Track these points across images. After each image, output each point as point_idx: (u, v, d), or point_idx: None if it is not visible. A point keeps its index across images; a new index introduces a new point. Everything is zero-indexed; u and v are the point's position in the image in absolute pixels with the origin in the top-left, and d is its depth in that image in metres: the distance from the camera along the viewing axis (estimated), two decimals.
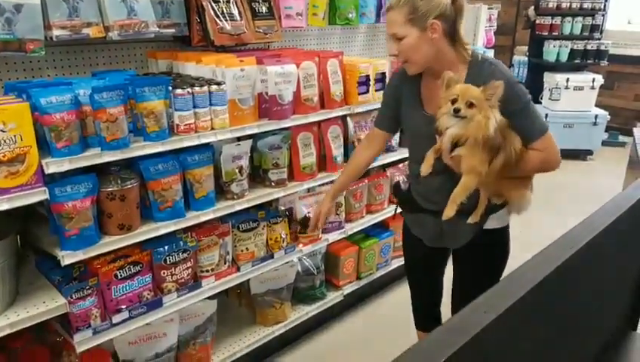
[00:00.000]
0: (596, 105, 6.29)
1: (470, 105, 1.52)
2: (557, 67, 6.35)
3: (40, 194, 1.66)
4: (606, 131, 6.47)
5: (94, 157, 1.77)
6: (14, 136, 1.55)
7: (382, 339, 2.81)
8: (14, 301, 1.77)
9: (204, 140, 2.05)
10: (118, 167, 1.92)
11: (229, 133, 2.12)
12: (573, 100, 6.11)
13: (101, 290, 1.89)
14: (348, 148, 2.76)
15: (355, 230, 2.94)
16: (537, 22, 6.37)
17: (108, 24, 1.93)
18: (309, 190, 2.70)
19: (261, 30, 2.46)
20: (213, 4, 2.26)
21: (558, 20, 6.28)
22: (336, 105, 2.58)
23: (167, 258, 2.06)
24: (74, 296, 1.80)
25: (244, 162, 2.28)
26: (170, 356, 2.21)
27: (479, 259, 1.86)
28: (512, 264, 1.32)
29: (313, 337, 2.89)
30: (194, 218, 2.11)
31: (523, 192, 1.75)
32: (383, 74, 2.78)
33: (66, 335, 1.88)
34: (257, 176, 2.46)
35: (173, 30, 2.18)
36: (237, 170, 2.25)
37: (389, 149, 3.01)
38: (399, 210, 2.07)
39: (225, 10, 2.29)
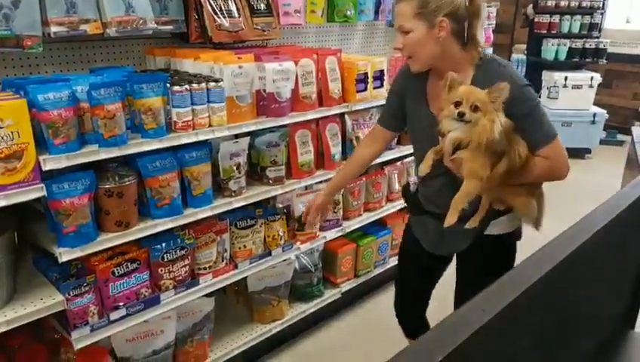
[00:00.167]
0: (594, 104, 6.30)
1: (475, 108, 1.46)
2: (555, 65, 6.34)
3: (37, 191, 1.65)
4: (604, 130, 6.48)
5: (92, 154, 1.76)
6: (11, 132, 1.55)
7: (380, 337, 2.80)
8: (12, 298, 1.77)
9: (201, 137, 2.04)
10: (116, 164, 1.92)
11: (226, 130, 2.12)
12: (571, 99, 6.11)
13: (99, 287, 1.89)
14: (346, 145, 2.76)
15: (352, 228, 2.94)
16: (536, 20, 6.36)
17: (106, 20, 1.92)
18: (306, 188, 2.69)
19: (259, 27, 2.45)
20: (211, 1, 2.24)
21: (556, 19, 6.27)
22: (334, 103, 2.58)
23: (165, 255, 2.05)
24: (71, 293, 1.80)
25: (242, 159, 2.28)
26: (167, 353, 2.21)
27: (480, 264, 1.80)
28: None
29: (311, 335, 2.89)
30: (191, 215, 2.11)
31: (528, 200, 1.66)
32: (381, 71, 2.77)
33: (63, 333, 1.88)
34: (255, 173, 2.46)
35: (171, 27, 2.17)
36: (235, 168, 2.25)
37: (387, 147, 3.00)
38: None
39: (223, 7, 2.28)
